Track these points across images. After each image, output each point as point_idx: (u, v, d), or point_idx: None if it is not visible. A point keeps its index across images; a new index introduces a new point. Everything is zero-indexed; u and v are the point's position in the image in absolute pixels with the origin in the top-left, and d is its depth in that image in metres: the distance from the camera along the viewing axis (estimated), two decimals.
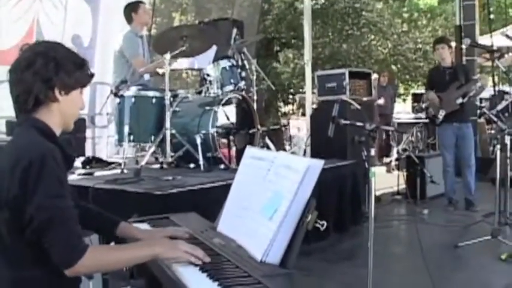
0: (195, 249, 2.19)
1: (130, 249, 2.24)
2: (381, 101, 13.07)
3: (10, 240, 2.04)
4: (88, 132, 7.96)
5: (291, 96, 23.21)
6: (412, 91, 20.80)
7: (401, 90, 23.89)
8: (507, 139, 5.93)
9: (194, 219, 2.95)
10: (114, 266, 2.17)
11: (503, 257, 5.37)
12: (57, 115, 2.24)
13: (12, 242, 2.04)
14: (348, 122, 5.29)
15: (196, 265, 2.13)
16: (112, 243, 2.83)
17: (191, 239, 2.44)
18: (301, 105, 17.89)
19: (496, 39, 8.98)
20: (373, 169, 3.64)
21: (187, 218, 2.93)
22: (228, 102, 6.34)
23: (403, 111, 17.17)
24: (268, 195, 2.21)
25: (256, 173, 2.39)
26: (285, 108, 24.48)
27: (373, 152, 5.65)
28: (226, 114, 6.32)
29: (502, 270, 5.15)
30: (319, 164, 2.10)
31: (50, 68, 2.16)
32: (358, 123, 4.68)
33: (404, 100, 24.39)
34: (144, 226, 2.78)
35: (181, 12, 19.68)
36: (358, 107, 7.17)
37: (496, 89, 8.64)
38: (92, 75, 2.36)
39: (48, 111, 2.21)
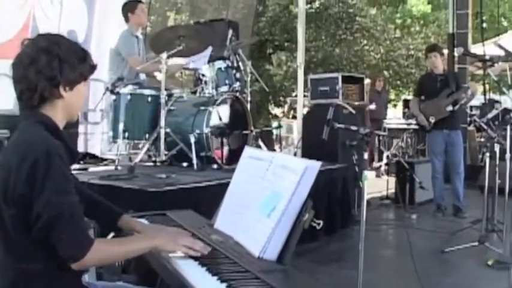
0: (195, 242, 2.26)
1: (132, 242, 2.31)
2: (373, 106, 13.14)
3: (15, 234, 2.08)
4: (80, 128, 7.97)
5: (282, 99, 23.27)
6: (403, 97, 20.90)
7: (392, 96, 23.99)
8: (496, 147, 6.00)
9: (191, 216, 3.02)
10: (118, 258, 2.23)
11: (489, 262, 5.45)
12: (61, 110, 2.27)
13: (17, 237, 2.08)
14: (342, 125, 5.36)
15: (195, 259, 2.19)
16: (111, 235, 2.90)
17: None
18: (292, 108, 17.94)
19: (488, 48, 9.08)
20: (365, 173, 3.71)
21: (184, 214, 2.99)
22: (222, 103, 6.41)
23: (393, 116, 17.28)
24: (267, 193, 2.27)
25: (255, 172, 2.46)
26: (275, 111, 24.54)
27: (366, 155, 5.69)
28: (219, 115, 6.37)
29: (489, 275, 5.22)
30: (316, 165, 2.17)
31: (54, 65, 2.18)
32: (353, 127, 4.75)
33: (395, 106, 24.50)
34: (142, 222, 2.82)
35: (176, 11, 19.71)
36: (353, 111, 7.25)
37: (487, 97, 8.72)
38: (95, 67, 2.38)
39: (52, 107, 2.24)
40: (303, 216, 2.11)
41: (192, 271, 2.08)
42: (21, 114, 2.28)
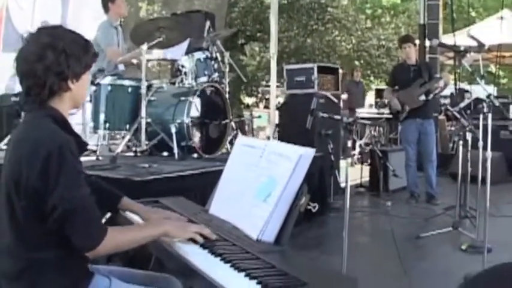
0: (202, 228, 2.37)
1: (143, 229, 2.41)
2: (344, 96, 13.33)
3: (25, 225, 2.16)
4: None
5: (254, 89, 23.37)
6: (374, 87, 21.12)
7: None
8: (468, 136, 6.16)
9: (184, 203, 3.12)
10: (129, 245, 2.29)
11: (463, 247, 5.64)
12: (69, 101, 2.34)
13: (28, 227, 2.16)
14: (326, 115, 5.48)
15: (196, 243, 2.29)
16: (108, 214, 3.00)
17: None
18: (264, 98, 18.05)
19: (458, 39, 9.26)
20: (348, 160, 3.83)
21: (177, 201, 3.08)
22: (201, 93, 6.50)
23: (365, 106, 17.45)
24: (262, 180, 2.39)
25: (249, 159, 2.57)
26: (247, 100, 24.65)
27: (349, 143, 5.79)
28: (196, 105, 6.46)
29: (463, 259, 5.41)
30: (310, 152, 2.30)
31: (61, 61, 2.24)
32: (337, 116, 4.89)
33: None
34: (140, 204, 2.90)
35: (148, 2, 19.68)
36: (336, 100, 7.38)
37: (457, 87, 8.91)
38: (97, 54, 2.45)
39: (60, 100, 2.31)
40: (299, 200, 2.24)
41: (195, 254, 2.18)
42: (25, 106, 2.34)
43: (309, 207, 2.26)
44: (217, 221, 2.55)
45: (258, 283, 1.83)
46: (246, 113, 17.57)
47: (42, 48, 2.23)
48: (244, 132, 13.32)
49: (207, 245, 2.26)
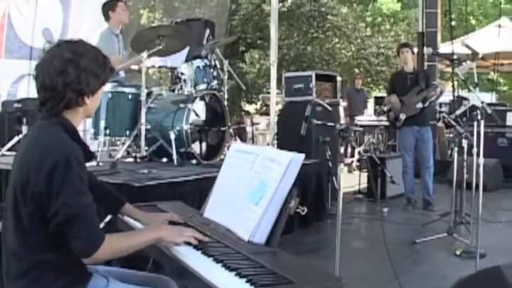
0: (195, 232, 2.47)
1: (139, 235, 2.51)
2: (344, 104, 13.42)
3: (30, 228, 2.27)
4: None
5: (254, 96, 23.47)
6: (374, 94, 21.22)
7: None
8: (464, 143, 6.23)
9: (180, 206, 3.23)
10: (127, 251, 2.39)
11: (457, 252, 5.74)
12: (82, 113, 2.47)
13: (32, 230, 2.27)
14: (319, 122, 5.58)
15: (190, 244, 2.39)
16: (108, 217, 3.10)
17: (184, 225, 2.71)
18: (266, 105, 18.13)
19: (457, 47, 9.34)
20: (342, 165, 3.92)
21: (174, 205, 3.19)
22: (200, 100, 6.60)
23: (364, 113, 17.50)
24: (254, 184, 2.49)
25: (242, 164, 2.68)
26: (248, 107, 24.76)
27: (342, 150, 5.83)
28: (195, 111, 6.56)
29: (457, 264, 5.49)
30: (300, 157, 2.40)
31: (81, 79, 2.35)
32: (330, 123, 4.97)
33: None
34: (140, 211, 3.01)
35: (149, 9, 19.80)
36: (330, 108, 7.46)
37: (455, 94, 8.99)
38: (113, 70, 2.61)
39: (74, 112, 2.43)
40: (289, 203, 2.33)
41: (189, 255, 2.29)
42: (41, 113, 2.43)
43: (298, 210, 2.34)
44: (212, 224, 2.65)
45: (247, 281, 1.93)
46: (247, 120, 17.67)
47: (64, 63, 2.33)
48: (244, 139, 13.42)
49: (200, 246, 2.36)
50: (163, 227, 2.59)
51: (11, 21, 9.39)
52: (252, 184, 2.50)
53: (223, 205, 2.70)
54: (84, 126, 6.63)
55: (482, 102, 5.34)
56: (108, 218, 3.15)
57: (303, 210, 2.35)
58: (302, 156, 2.40)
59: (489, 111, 5.43)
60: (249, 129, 14.06)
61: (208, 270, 2.08)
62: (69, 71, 2.33)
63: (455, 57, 6.15)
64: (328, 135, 7.59)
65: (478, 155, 5.05)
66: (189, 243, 2.39)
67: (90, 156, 2.54)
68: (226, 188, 2.75)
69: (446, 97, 11.22)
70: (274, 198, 2.34)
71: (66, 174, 2.19)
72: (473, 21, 23.53)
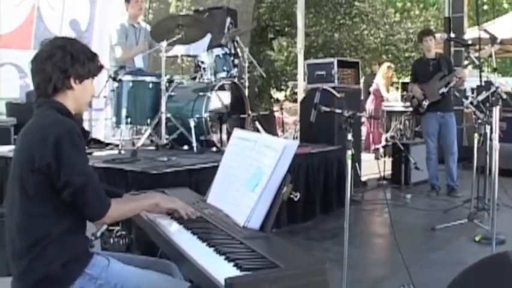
0: (188, 207, 2.71)
1: (140, 200, 2.83)
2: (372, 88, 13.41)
3: (35, 202, 2.40)
4: (85, 114, 8.20)
5: (283, 83, 23.46)
6: (401, 80, 21.04)
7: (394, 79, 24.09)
8: (487, 128, 6.19)
9: (187, 193, 3.32)
10: (129, 214, 2.70)
11: (477, 238, 5.73)
12: (71, 100, 2.61)
13: (37, 204, 2.40)
14: (327, 109, 5.61)
15: (188, 229, 2.51)
16: None
17: None
18: (295, 92, 18.13)
19: (483, 32, 9.26)
20: (349, 152, 3.94)
21: (180, 192, 3.27)
22: (222, 88, 6.67)
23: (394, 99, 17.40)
24: (251, 170, 2.56)
25: (242, 151, 2.75)
26: (278, 95, 24.75)
27: (349, 136, 5.75)
28: (221, 99, 6.63)
29: (475, 250, 5.47)
30: (294, 144, 2.46)
31: (67, 60, 2.53)
32: (337, 110, 4.99)
33: (397, 88, 24.58)
34: None
35: None
36: (338, 95, 7.47)
37: (483, 79, 8.91)
38: (102, 67, 2.75)
39: (64, 97, 2.59)
40: (282, 189, 2.38)
41: (185, 239, 2.40)
42: (36, 103, 2.61)
43: (291, 196, 2.39)
44: (212, 209, 2.76)
45: (235, 265, 2.01)
46: (276, 107, 17.68)
47: (53, 48, 2.55)
48: (272, 126, 13.42)
49: (197, 231, 2.46)
50: (159, 195, 2.89)
51: (40, 13, 9.51)
52: (250, 171, 2.57)
53: (223, 191, 2.80)
54: (105, 115, 6.74)
55: (497, 88, 5.30)
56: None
57: (296, 196, 2.40)
58: (296, 142, 2.48)
59: (504, 96, 5.38)
60: (278, 115, 14.07)
61: (199, 253, 2.17)
62: (57, 54, 2.52)
63: (469, 42, 6.11)
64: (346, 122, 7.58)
65: (492, 139, 5.00)
66: (186, 228, 2.54)
67: (86, 137, 2.70)
68: (227, 174, 2.85)
69: (474, 82, 11.10)
70: (269, 185, 2.41)
71: (73, 146, 2.38)
72: (505, 5, 23.15)
